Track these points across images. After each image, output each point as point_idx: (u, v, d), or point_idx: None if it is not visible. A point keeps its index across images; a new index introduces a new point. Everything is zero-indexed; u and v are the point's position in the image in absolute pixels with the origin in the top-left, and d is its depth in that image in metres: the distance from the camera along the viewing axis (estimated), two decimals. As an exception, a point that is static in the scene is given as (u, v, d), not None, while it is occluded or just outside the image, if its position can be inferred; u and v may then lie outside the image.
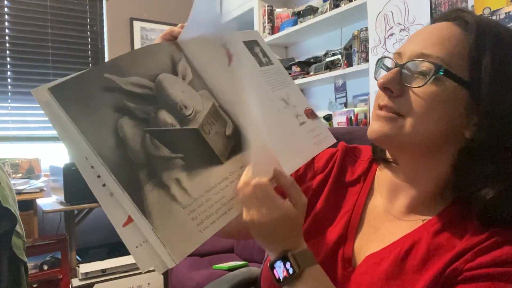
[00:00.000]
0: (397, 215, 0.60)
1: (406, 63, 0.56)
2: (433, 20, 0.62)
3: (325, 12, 2.29)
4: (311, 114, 0.70)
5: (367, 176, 0.68)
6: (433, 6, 1.72)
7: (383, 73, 0.60)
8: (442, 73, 0.53)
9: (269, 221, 0.51)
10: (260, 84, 0.65)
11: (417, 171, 0.59)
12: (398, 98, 0.56)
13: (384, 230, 0.60)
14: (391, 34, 1.89)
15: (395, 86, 0.56)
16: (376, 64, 0.65)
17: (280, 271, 0.52)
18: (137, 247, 0.47)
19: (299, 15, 2.52)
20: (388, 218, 0.61)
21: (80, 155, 0.47)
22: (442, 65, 0.53)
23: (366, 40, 2.05)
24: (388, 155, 0.63)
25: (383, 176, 0.65)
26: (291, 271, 0.51)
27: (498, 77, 0.52)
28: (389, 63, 0.62)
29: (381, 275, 0.54)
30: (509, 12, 1.49)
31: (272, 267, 0.53)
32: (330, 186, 0.67)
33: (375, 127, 0.58)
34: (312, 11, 2.43)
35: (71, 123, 0.45)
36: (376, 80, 0.60)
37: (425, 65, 0.54)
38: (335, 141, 0.70)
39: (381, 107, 0.58)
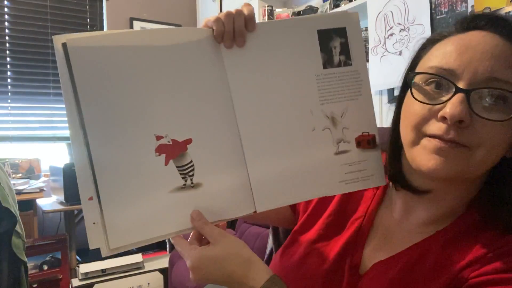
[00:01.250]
0: (408, 228, 0.58)
1: (477, 89, 0.48)
2: (467, 24, 0.54)
3: (325, 12, 2.29)
4: (366, 143, 0.57)
5: None
6: (433, 6, 1.72)
7: (425, 95, 0.52)
8: None
9: (207, 274, 0.52)
10: (292, 92, 0.55)
11: (446, 195, 0.55)
12: (465, 129, 0.48)
13: (394, 239, 0.58)
14: (391, 34, 1.89)
15: (467, 118, 0.48)
16: (411, 80, 0.54)
17: None
18: (94, 223, 0.51)
19: (299, 15, 2.52)
20: (398, 229, 0.59)
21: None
22: None
23: (366, 40, 2.05)
24: (416, 183, 0.56)
25: (398, 189, 0.60)
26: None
27: None
28: (431, 81, 0.52)
29: (389, 283, 0.53)
30: (509, 12, 1.49)
31: None
32: None
33: (440, 163, 0.50)
34: (312, 11, 2.43)
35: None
36: (417, 100, 0.52)
37: (505, 94, 0.48)
38: (384, 183, 0.60)
39: (440, 137, 0.50)
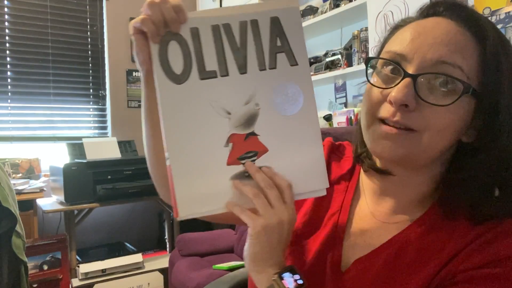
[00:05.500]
0: (382, 218, 0.59)
1: (423, 74, 0.50)
2: (427, 11, 0.56)
3: (325, 12, 2.29)
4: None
5: (352, 174, 0.66)
6: (433, 6, 1.72)
7: (383, 79, 0.54)
8: (471, 92, 0.50)
9: (277, 227, 0.50)
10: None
11: (410, 179, 0.57)
12: (411, 112, 0.50)
13: (371, 233, 0.58)
14: (391, 34, 1.89)
15: (412, 101, 0.50)
16: (368, 65, 0.57)
17: (290, 281, 0.50)
18: None
19: (299, 15, 2.52)
20: (374, 220, 0.59)
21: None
22: (470, 84, 0.50)
23: (366, 40, 2.05)
24: (379, 163, 0.59)
25: (368, 178, 0.63)
26: (300, 282, 0.50)
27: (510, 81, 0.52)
28: (387, 66, 0.54)
29: (373, 280, 0.53)
30: (509, 12, 1.49)
31: (280, 277, 0.50)
32: None
33: (387, 147, 0.52)
34: (312, 11, 2.43)
35: None
36: (371, 83, 0.55)
37: (450, 81, 0.49)
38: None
39: (387, 122, 0.52)
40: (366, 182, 0.63)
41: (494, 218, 0.51)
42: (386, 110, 0.52)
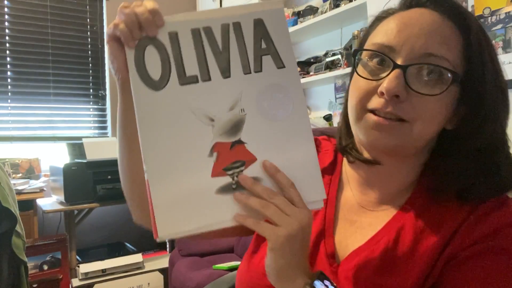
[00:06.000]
0: (370, 207, 0.59)
1: (412, 64, 0.51)
2: (410, 2, 0.56)
3: (325, 12, 2.29)
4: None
5: (335, 167, 0.66)
6: (433, 6, 1.72)
7: (369, 72, 0.55)
8: (459, 82, 0.51)
9: (301, 233, 0.46)
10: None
11: (397, 168, 0.58)
12: (402, 103, 0.51)
13: (361, 223, 0.59)
14: (391, 34, 1.89)
15: (403, 92, 0.51)
16: (355, 57, 0.57)
17: None
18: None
19: (299, 15, 2.52)
20: (362, 210, 0.60)
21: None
22: (458, 73, 0.51)
23: (366, 40, 2.05)
24: (366, 154, 0.60)
25: (353, 169, 0.63)
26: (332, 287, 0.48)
27: (494, 69, 0.54)
28: (374, 58, 0.55)
29: (374, 269, 0.53)
30: (509, 12, 1.49)
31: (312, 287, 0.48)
32: None
33: (380, 137, 0.53)
34: (312, 11, 2.43)
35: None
36: (360, 75, 0.55)
37: (439, 70, 0.51)
38: None
39: (378, 113, 0.53)
40: (350, 174, 0.64)
41: (480, 198, 0.53)
42: (376, 102, 0.53)
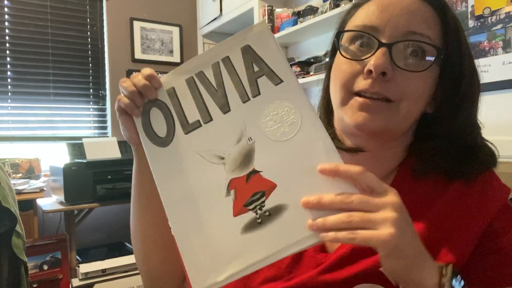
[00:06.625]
0: None
1: (397, 42, 0.52)
2: None
3: (325, 12, 2.28)
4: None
5: None
6: (433, 6, 1.72)
7: (351, 55, 0.55)
8: (441, 58, 0.53)
9: (401, 220, 0.42)
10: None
11: (382, 153, 0.58)
12: (388, 82, 0.52)
13: None
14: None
15: (390, 69, 0.51)
16: (339, 38, 0.57)
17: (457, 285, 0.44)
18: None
19: (299, 15, 2.52)
20: None
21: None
22: (441, 48, 0.53)
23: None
24: (349, 142, 0.59)
25: None
26: (462, 283, 0.45)
27: (468, 51, 0.57)
28: (356, 41, 0.55)
29: (369, 252, 0.50)
30: (509, 12, 1.49)
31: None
32: None
33: (368, 118, 0.52)
34: (312, 11, 2.43)
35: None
36: (344, 56, 0.55)
37: (423, 47, 0.52)
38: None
39: (364, 94, 0.53)
40: None
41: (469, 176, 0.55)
42: (363, 83, 0.53)
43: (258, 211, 0.46)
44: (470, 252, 0.52)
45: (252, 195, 0.46)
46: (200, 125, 0.50)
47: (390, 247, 0.40)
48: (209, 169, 0.48)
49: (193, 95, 0.51)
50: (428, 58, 0.52)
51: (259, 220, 0.45)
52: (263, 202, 0.46)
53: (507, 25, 1.49)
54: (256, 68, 0.50)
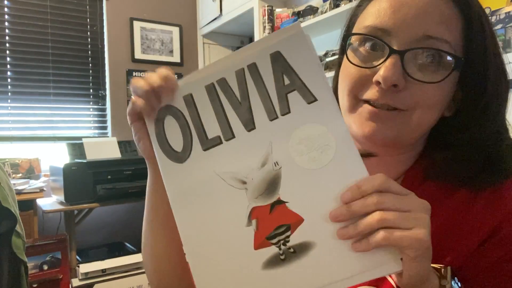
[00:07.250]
0: None
1: (410, 49, 0.46)
2: None
3: (325, 12, 2.29)
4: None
5: None
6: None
7: (361, 58, 0.50)
8: (460, 67, 0.47)
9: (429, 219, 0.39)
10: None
11: (393, 158, 0.55)
12: (400, 92, 0.47)
13: None
14: (391, 34, 1.89)
15: (402, 81, 0.46)
16: (347, 43, 0.52)
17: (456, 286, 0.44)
18: None
19: (299, 15, 2.52)
20: None
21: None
22: (460, 57, 0.47)
23: (366, 40, 2.05)
24: (359, 147, 0.54)
25: None
26: (460, 284, 0.44)
27: (496, 50, 0.50)
28: (367, 43, 0.50)
29: None
30: (509, 12, 1.49)
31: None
32: None
33: (377, 129, 0.49)
34: (312, 11, 2.43)
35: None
36: (351, 63, 0.50)
37: (440, 53, 0.46)
38: None
39: (373, 103, 0.49)
40: None
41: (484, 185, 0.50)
42: (371, 93, 0.48)
43: (282, 247, 0.41)
44: (471, 255, 0.49)
45: (276, 227, 0.41)
46: (221, 142, 0.44)
47: (424, 248, 0.38)
48: (229, 193, 0.43)
49: (214, 106, 0.44)
50: (446, 65, 0.47)
51: (282, 257, 0.41)
52: (288, 237, 0.41)
53: (507, 25, 1.50)
54: (286, 81, 0.43)
